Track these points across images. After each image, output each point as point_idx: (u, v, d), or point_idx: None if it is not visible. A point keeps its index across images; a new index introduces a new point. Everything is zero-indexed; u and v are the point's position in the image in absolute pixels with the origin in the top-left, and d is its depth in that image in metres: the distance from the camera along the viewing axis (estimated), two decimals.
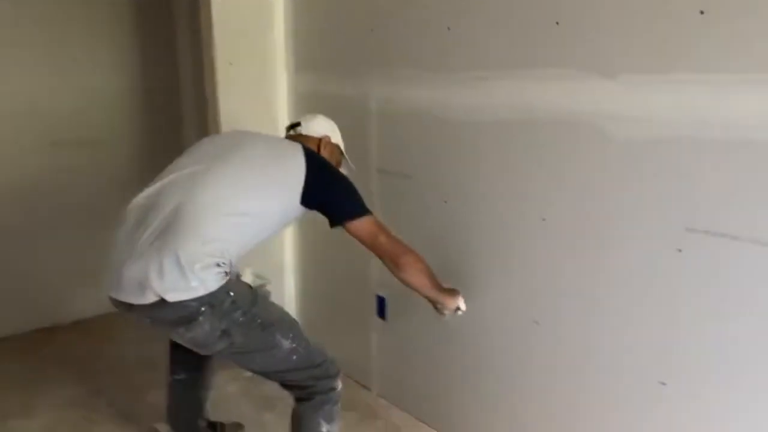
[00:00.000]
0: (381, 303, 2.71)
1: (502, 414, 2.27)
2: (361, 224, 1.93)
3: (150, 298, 1.72)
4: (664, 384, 1.77)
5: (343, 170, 2.16)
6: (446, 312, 2.04)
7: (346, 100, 2.59)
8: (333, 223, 1.95)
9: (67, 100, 3.40)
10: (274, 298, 2.71)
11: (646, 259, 1.77)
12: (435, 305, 2.04)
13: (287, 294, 3.13)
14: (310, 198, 1.90)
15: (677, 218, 1.68)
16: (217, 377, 2.38)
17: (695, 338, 1.69)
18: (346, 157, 2.25)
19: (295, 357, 1.89)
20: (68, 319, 3.57)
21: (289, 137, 2.17)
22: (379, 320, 2.73)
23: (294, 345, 1.88)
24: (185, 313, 1.74)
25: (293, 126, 2.21)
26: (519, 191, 2.07)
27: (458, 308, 2.04)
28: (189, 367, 2.26)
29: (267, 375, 1.98)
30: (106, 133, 3.56)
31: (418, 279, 1.97)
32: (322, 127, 2.18)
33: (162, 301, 1.72)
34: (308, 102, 2.89)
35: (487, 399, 2.31)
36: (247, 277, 2.31)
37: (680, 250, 1.68)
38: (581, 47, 1.81)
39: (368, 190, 2.51)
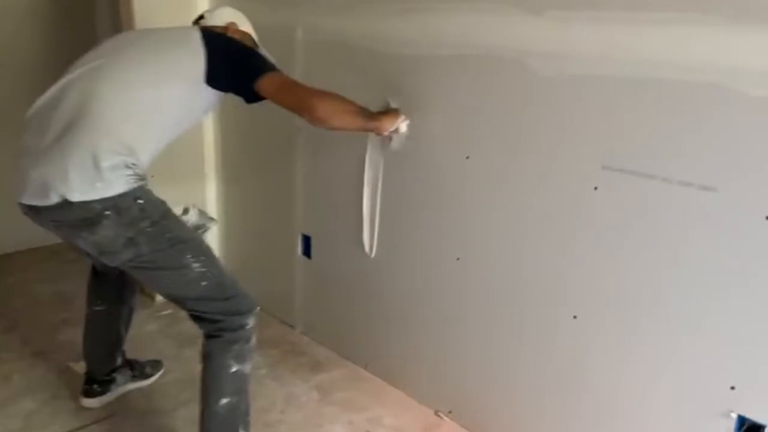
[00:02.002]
0: (306, 242, 2.69)
1: (424, 348, 2.31)
2: (265, 81, 1.81)
3: (53, 199, 1.66)
4: (575, 317, 1.83)
5: None
6: (386, 135, 2.06)
7: (271, 30, 2.48)
8: (245, 95, 1.85)
9: None
10: None
11: (563, 196, 1.79)
12: (377, 133, 2.07)
13: (209, 233, 3.05)
14: (213, 74, 1.80)
15: (594, 156, 1.71)
16: (135, 316, 2.30)
17: (607, 273, 1.74)
18: (261, 47, 2.11)
19: (204, 283, 1.81)
20: None
21: None
22: (304, 259, 2.72)
23: (204, 269, 1.81)
24: (88, 215, 1.67)
25: (198, 21, 2.11)
26: (442, 129, 2.05)
27: (397, 130, 2.04)
28: (109, 298, 2.19)
29: (174, 300, 1.90)
30: (13, 50, 3.33)
31: (341, 118, 1.88)
32: (226, 15, 2.08)
33: (66, 202, 1.66)
34: None
35: (409, 335, 2.34)
36: (192, 215, 2.21)
37: (596, 188, 1.71)
38: None
39: (293, 124, 2.45)
